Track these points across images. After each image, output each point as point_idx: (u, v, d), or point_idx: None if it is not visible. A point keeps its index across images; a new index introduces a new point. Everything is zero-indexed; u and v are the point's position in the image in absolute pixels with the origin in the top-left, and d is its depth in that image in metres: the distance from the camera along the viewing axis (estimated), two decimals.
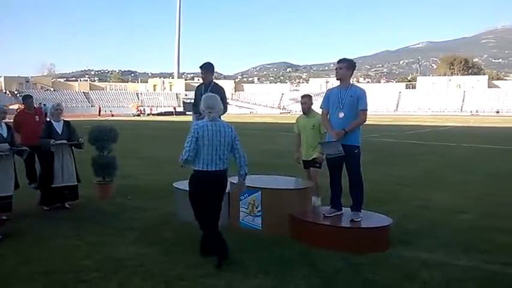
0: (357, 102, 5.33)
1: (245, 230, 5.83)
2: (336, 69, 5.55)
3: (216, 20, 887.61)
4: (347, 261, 4.82)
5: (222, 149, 4.66)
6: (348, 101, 5.34)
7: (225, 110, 6.73)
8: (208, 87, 6.67)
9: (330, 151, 5.46)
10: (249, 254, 5.03)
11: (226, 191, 6.32)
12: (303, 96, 6.91)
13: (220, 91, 6.69)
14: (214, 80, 6.83)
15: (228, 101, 7.24)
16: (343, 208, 5.70)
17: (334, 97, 5.49)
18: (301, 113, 6.96)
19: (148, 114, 72.40)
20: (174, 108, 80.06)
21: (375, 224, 5.42)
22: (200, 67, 6.74)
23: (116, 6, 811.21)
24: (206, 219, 4.85)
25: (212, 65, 6.80)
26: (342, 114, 5.35)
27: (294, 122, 7.06)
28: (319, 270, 4.60)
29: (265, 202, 5.71)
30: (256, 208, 5.79)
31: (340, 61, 5.54)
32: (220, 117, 4.89)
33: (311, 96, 6.96)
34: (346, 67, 5.46)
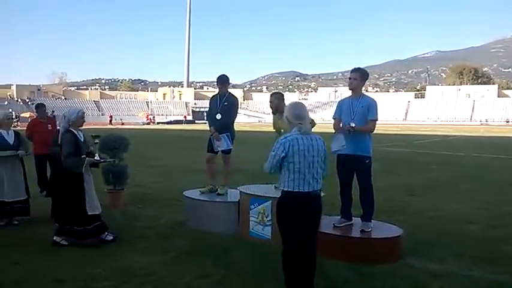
0: (367, 112, 5.36)
1: (255, 239, 5.85)
2: (350, 79, 5.52)
3: (225, 29, 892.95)
4: (357, 271, 4.82)
5: (315, 166, 3.94)
6: (359, 111, 5.37)
7: (234, 117, 6.87)
8: (223, 97, 6.78)
9: (334, 146, 5.37)
10: (259, 264, 5.04)
11: (236, 199, 6.42)
12: (271, 94, 6.54)
13: (234, 101, 6.84)
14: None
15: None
16: (353, 218, 5.70)
17: (345, 107, 5.52)
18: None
19: (154, 123, 72.53)
20: (185, 116, 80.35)
21: (386, 235, 5.41)
22: (217, 81, 6.89)
23: (126, 16, 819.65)
24: (300, 257, 4.02)
25: (227, 77, 6.95)
26: (353, 125, 5.36)
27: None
28: (328, 280, 4.60)
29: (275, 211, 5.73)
30: (267, 217, 5.81)
31: (353, 71, 5.52)
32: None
33: (280, 95, 6.55)
34: (360, 77, 5.45)
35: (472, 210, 8.07)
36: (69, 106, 78.18)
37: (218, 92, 6.93)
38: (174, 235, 6.21)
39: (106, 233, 5.86)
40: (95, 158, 5.85)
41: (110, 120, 71.30)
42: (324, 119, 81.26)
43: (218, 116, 6.73)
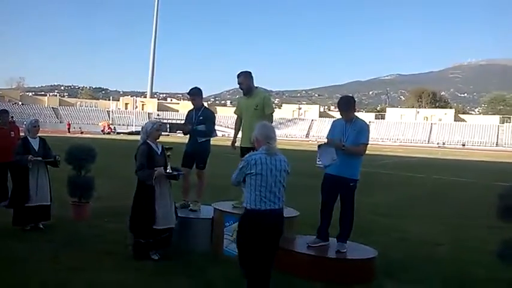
0: (359, 135, 5.38)
1: (228, 258, 5.71)
2: (343, 116, 5.51)
3: (190, 42, 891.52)
4: None
5: (278, 185, 4.10)
6: (351, 134, 5.39)
7: (214, 134, 6.74)
8: (199, 112, 6.66)
9: (324, 160, 5.33)
10: (233, 283, 4.92)
11: (209, 216, 6.29)
12: (238, 75, 6.22)
13: (211, 115, 6.73)
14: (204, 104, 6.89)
15: None
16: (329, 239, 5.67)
17: (338, 129, 5.53)
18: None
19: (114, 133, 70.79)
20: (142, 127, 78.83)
21: (361, 256, 5.42)
22: (188, 93, 6.78)
23: (88, 22, 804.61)
24: (255, 267, 4.14)
25: (200, 90, 6.83)
26: (343, 143, 5.34)
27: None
28: None
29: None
30: None
31: (346, 109, 5.49)
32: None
33: (249, 73, 6.28)
34: (352, 108, 5.54)
35: (438, 232, 8.27)
36: (26, 112, 76.48)
37: (193, 107, 6.82)
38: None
39: (154, 250, 5.67)
40: (167, 170, 5.61)
41: (68, 129, 69.58)
42: (287, 136, 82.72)
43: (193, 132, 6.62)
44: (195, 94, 6.77)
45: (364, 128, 5.45)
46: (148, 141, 5.72)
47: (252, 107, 6.18)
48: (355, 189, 5.48)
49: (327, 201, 5.54)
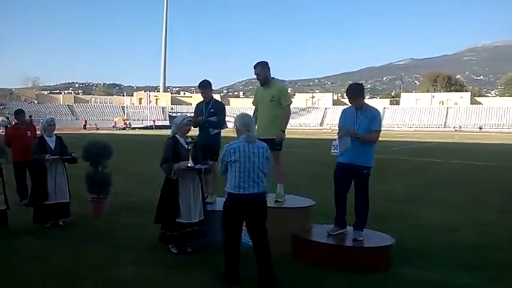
0: (371, 123, 5.36)
1: (245, 249, 5.75)
2: (353, 103, 5.50)
3: (202, 35, 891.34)
4: (351, 281, 4.80)
5: (256, 171, 4.47)
6: (363, 122, 5.37)
7: (225, 126, 6.76)
8: (209, 104, 6.68)
9: (339, 148, 5.37)
10: (250, 274, 4.97)
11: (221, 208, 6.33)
12: (255, 66, 6.15)
13: (221, 107, 6.74)
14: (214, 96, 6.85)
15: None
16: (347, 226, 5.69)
17: (350, 117, 5.50)
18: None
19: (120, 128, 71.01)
20: (154, 121, 79.01)
21: (378, 244, 5.42)
22: (199, 86, 6.77)
23: (100, 19, 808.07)
24: (234, 247, 4.65)
25: (210, 82, 6.82)
26: (357, 132, 5.35)
27: None
28: None
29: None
30: None
31: (354, 97, 5.47)
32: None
33: (265, 63, 6.20)
34: (361, 95, 5.50)
35: (455, 217, 8.18)
36: (41, 110, 77.22)
37: (203, 99, 6.83)
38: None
39: (188, 243, 5.79)
40: (188, 164, 5.62)
41: (84, 125, 70.23)
42: (301, 125, 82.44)
43: (205, 124, 6.64)
44: (205, 86, 6.78)
45: (376, 116, 5.43)
46: (176, 135, 5.79)
47: (268, 98, 6.15)
48: (369, 176, 5.46)
49: (340, 190, 5.54)
